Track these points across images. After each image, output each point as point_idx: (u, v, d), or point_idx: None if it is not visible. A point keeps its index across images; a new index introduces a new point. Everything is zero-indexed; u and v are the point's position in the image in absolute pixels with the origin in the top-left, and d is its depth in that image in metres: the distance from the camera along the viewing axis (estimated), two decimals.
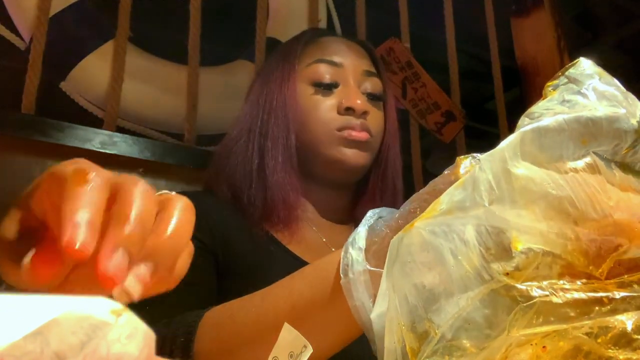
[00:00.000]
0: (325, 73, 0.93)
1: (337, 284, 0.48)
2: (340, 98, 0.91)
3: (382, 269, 0.41)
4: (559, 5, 1.77)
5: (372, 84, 0.95)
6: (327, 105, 0.91)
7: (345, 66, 0.94)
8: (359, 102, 0.90)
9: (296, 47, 0.97)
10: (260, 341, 0.53)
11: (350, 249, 0.48)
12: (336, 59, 0.94)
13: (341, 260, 0.48)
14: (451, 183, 0.39)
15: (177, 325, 0.61)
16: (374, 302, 0.44)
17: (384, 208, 0.52)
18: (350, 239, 0.49)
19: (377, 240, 0.47)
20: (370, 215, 0.51)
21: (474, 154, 0.42)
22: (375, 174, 0.96)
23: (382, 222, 0.49)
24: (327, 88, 0.92)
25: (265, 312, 0.54)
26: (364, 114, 0.91)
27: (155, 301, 0.72)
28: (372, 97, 0.95)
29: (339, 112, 0.90)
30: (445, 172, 0.45)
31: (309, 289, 0.52)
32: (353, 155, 0.89)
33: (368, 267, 0.46)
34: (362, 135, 0.90)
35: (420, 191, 0.47)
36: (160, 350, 0.62)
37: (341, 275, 0.47)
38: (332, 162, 0.90)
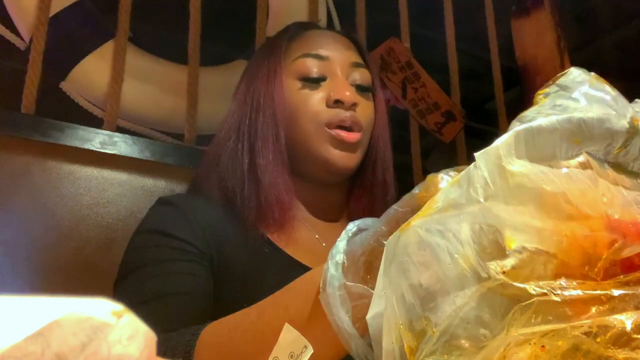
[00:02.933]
0: (312, 67, 0.91)
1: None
2: (328, 91, 0.90)
3: (359, 283, 0.43)
4: (559, 5, 1.77)
5: (361, 75, 0.94)
6: (315, 99, 0.89)
7: (332, 59, 0.92)
8: (347, 93, 0.88)
9: (281, 43, 0.96)
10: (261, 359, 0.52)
11: (329, 263, 0.49)
12: (322, 52, 0.93)
13: (322, 274, 0.49)
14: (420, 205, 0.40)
15: (175, 343, 0.61)
16: (350, 316, 0.45)
17: (364, 219, 0.53)
18: (330, 252, 0.50)
19: (352, 258, 0.48)
20: (350, 228, 0.52)
21: (446, 171, 0.44)
22: (365, 168, 0.95)
23: (358, 240, 0.50)
24: (314, 82, 0.91)
25: (263, 330, 0.54)
26: (353, 105, 0.89)
27: (155, 311, 0.72)
28: (361, 89, 0.93)
29: (327, 105, 0.89)
30: (415, 191, 0.46)
31: (305, 304, 0.52)
32: (342, 158, 0.88)
33: (345, 281, 0.46)
34: (353, 137, 0.88)
35: (393, 207, 0.48)
36: None
37: (321, 289, 0.48)
38: (321, 161, 0.88)
